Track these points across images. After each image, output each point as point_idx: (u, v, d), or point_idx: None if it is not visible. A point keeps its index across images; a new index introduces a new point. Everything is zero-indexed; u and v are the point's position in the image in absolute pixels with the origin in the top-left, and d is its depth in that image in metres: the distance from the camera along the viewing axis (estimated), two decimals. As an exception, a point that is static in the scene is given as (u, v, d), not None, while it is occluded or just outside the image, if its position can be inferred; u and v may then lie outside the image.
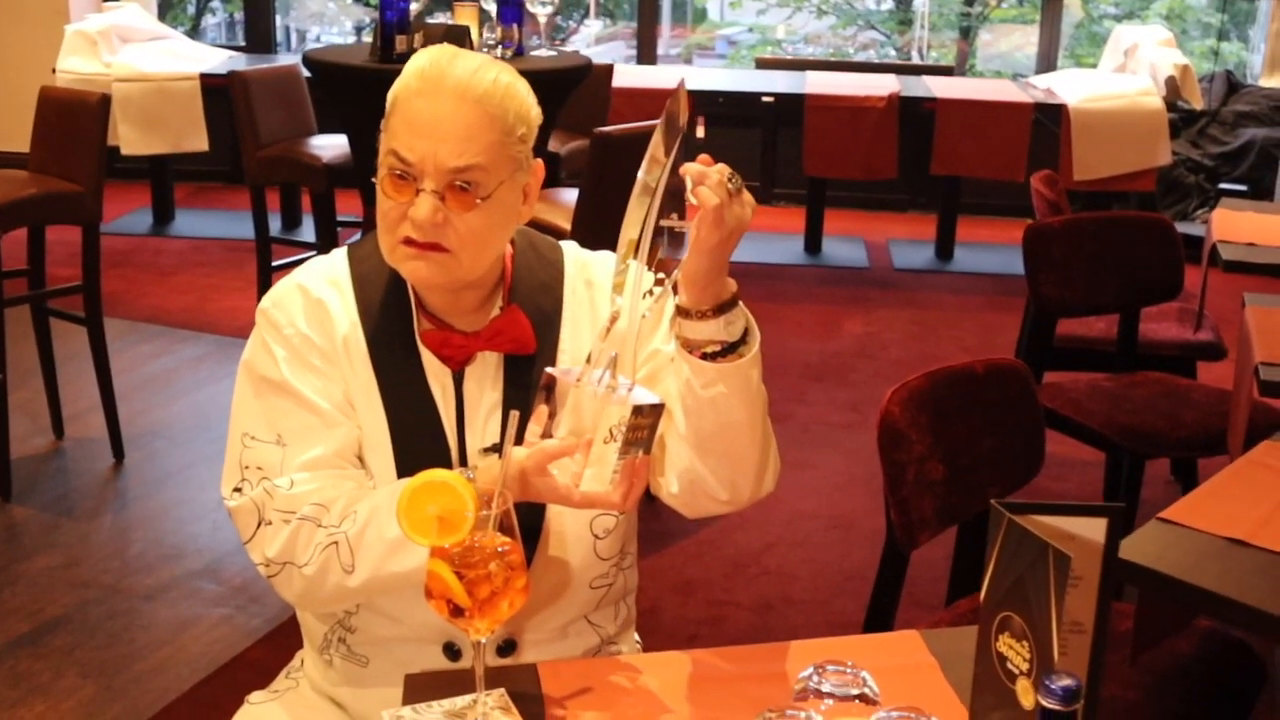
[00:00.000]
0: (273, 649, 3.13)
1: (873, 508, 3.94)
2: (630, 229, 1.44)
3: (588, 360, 1.50)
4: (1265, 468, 2.21)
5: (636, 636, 1.92)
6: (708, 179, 1.42)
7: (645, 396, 1.49)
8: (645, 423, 1.47)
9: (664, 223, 1.43)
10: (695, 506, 1.67)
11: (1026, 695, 1.21)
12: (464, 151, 1.57)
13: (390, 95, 1.62)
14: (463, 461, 1.67)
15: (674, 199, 1.45)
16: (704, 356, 1.53)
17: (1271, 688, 2.31)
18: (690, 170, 1.43)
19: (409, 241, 1.60)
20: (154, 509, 3.86)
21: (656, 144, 1.42)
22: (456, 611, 1.37)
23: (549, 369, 1.54)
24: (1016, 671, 1.22)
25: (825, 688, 1.40)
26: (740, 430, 1.58)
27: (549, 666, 1.59)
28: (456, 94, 1.58)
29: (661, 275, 1.48)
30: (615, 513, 1.71)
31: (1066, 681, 1.08)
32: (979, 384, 2.34)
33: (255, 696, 1.86)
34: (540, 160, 1.70)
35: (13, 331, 3.90)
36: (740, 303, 1.53)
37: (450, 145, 1.56)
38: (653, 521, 3.83)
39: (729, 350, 1.53)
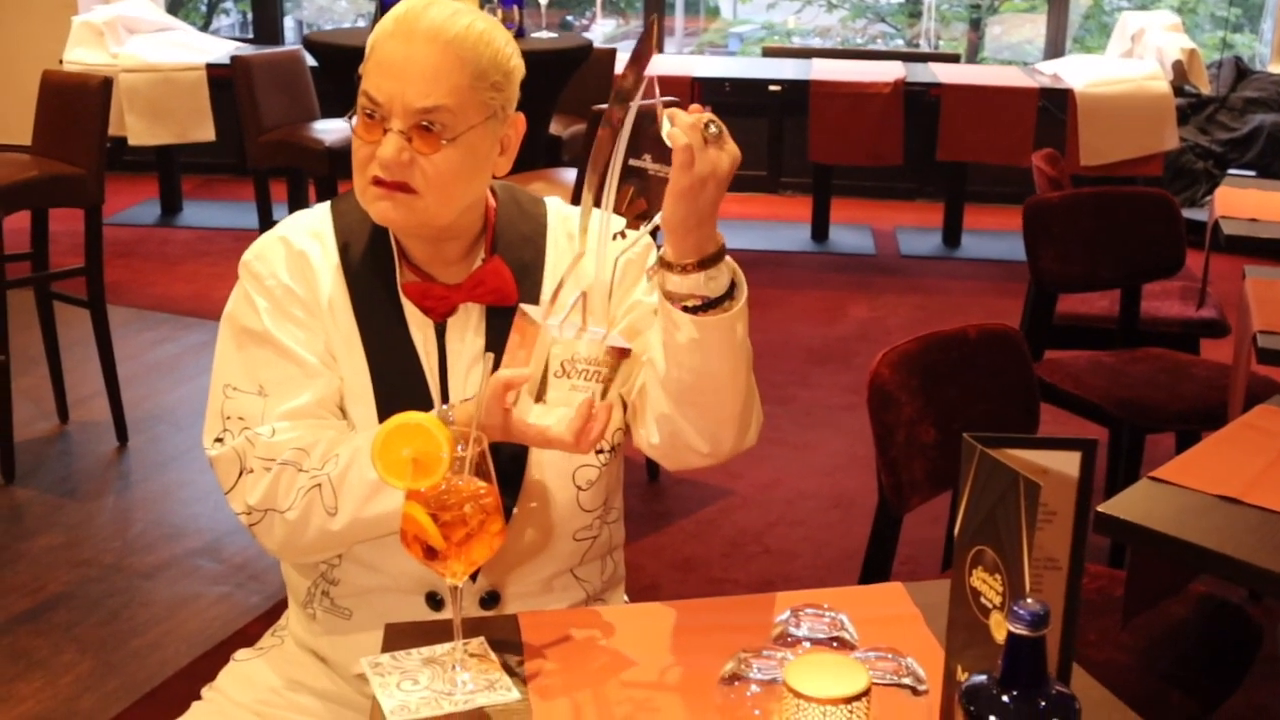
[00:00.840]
0: (271, 624, 3.12)
1: (873, 487, 3.93)
2: (596, 169, 1.43)
3: (552, 300, 1.49)
4: (1258, 429, 2.19)
5: (625, 596, 1.91)
6: (679, 119, 1.42)
7: (613, 341, 1.47)
8: (605, 363, 1.45)
9: (633, 162, 1.42)
10: (676, 458, 1.66)
11: (1000, 629, 1.20)
12: (430, 92, 1.56)
13: (369, 41, 1.62)
14: (445, 414, 1.67)
15: (655, 144, 1.44)
16: (686, 309, 1.51)
17: (1269, 652, 2.29)
18: (669, 110, 1.42)
19: (377, 181, 1.59)
20: (156, 490, 3.86)
21: (624, 79, 1.40)
22: (430, 554, 1.37)
23: (522, 305, 1.53)
24: (990, 606, 1.22)
25: (802, 631, 1.39)
26: (721, 383, 1.57)
27: (529, 616, 1.58)
28: (428, 36, 1.57)
29: (636, 219, 1.46)
30: (596, 463, 1.70)
31: (1034, 607, 1.08)
32: (971, 348, 2.33)
33: (241, 654, 1.86)
34: (521, 114, 1.70)
35: (18, 318, 3.91)
36: (727, 258, 1.51)
37: (417, 85, 1.56)
38: (653, 502, 3.83)
39: (712, 304, 1.51)
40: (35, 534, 3.57)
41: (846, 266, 6.32)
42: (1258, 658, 2.23)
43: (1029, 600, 1.08)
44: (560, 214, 1.79)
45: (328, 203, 1.77)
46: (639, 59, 1.41)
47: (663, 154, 1.44)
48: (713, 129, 1.42)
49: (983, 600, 1.23)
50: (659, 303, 1.53)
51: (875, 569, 2.24)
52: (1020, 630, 1.08)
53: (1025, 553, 1.15)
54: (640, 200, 1.45)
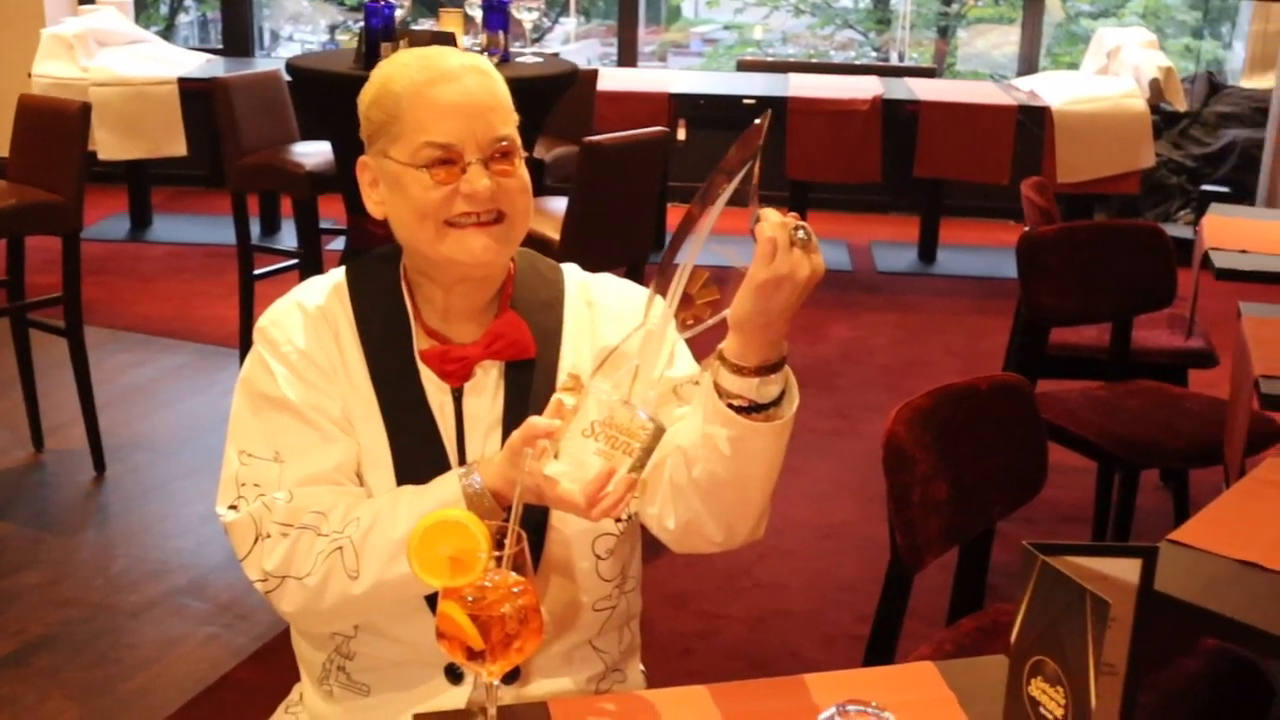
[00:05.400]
0: (260, 668, 3.09)
1: (863, 516, 3.92)
2: (675, 247, 1.41)
3: (602, 363, 1.47)
4: (1273, 485, 2.18)
5: (641, 666, 1.88)
6: (769, 216, 1.40)
7: (654, 419, 1.44)
8: (639, 438, 1.42)
9: (715, 248, 1.40)
10: (686, 545, 1.66)
11: (1061, 741, 1.18)
12: (505, 117, 1.62)
13: (385, 103, 1.62)
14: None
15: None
16: (731, 406, 1.49)
17: None
18: (763, 209, 1.40)
19: (470, 217, 1.59)
20: (137, 524, 3.80)
21: (729, 161, 1.38)
22: (471, 655, 1.34)
23: (571, 371, 1.50)
24: (1050, 717, 1.19)
25: (849, 728, 1.37)
26: (753, 483, 1.56)
27: (560, 704, 1.55)
28: (470, 69, 1.61)
29: (705, 305, 1.43)
30: (615, 530, 1.70)
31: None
32: (983, 401, 2.31)
33: (255, 732, 1.82)
34: None
35: (-10, 341, 3.85)
36: (785, 369, 1.49)
37: (488, 115, 1.60)
38: (644, 533, 3.79)
39: (756, 409, 1.49)
40: (15, 571, 3.50)
41: (824, 283, 6.26)
42: (1271, 711, 2.22)
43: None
44: (579, 281, 1.77)
45: (342, 268, 1.74)
46: (747, 148, 1.38)
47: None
48: (801, 234, 1.40)
49: (1042, 710, 1.21)
50: (705, 395, 1.50)
51: (887, 628, 2.21)
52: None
53: (1092, 669, 1.13)
54: (713, 288, 1.42)
